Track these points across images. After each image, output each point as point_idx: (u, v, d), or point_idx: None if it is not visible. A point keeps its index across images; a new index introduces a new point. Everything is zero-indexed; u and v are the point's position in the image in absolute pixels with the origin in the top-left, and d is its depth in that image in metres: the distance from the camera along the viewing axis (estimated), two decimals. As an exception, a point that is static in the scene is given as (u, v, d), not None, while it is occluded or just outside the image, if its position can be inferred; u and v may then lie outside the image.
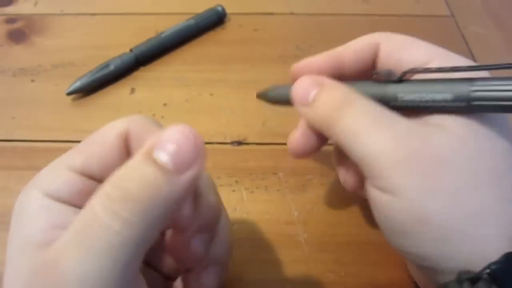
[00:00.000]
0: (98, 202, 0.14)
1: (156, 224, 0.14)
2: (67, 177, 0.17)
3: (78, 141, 0.18)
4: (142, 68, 0.38)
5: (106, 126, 0.18)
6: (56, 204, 0.16)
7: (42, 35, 0.41)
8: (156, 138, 0.15)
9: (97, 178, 0.17)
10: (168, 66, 0.39)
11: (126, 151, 0.18)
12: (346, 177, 0.24)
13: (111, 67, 0.36)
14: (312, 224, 0.28)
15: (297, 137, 0.23)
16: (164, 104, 0.35)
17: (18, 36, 0.41)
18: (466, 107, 0.18)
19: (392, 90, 0.20)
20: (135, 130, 0.18)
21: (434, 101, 0.19)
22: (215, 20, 0.42)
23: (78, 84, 0.35)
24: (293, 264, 0.26)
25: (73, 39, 0.41)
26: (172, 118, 0.34)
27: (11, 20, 0.43)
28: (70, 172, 0.17)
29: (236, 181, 0.30)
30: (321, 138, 0.23)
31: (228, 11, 0.43)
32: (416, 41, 0.22)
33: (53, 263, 0.14)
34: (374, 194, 0.19)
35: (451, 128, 0.18)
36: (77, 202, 0.17)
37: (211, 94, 0.36)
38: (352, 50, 0.23)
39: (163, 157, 0.14)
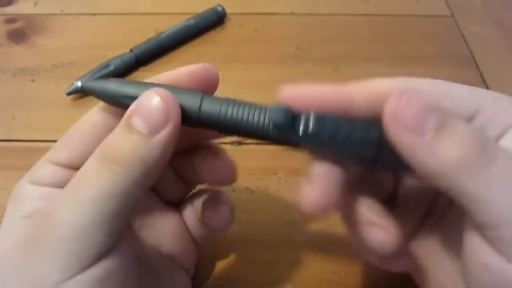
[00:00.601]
0: (88, 163, 0.16)
1: (139, 181, 0.16)
2: (52, 171, 0.18)
3: (78, 141, 0.18)
4: (142, 68, 0.38)
5: (83, 119, 0.19)
6: (44, 188, 0.18)
7: (42, 35, 0.41)
8: (133, 105, 0.16)
9: (78, 168, 0.18)
10: (168, 66, 0.39)
11: (106, 135, 0.18)
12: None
13: (111, 67, 0.36)
14: (312, 224, 0.28)
15: (315, 195, 0.18)
16: (164, 104, 0.35)
17: (18, 36, 0.41)
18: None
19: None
20: (112, 111, 0.19)
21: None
22: (215, 20, 0.42)
23: (78, 84, 0.35)
24: (293, 264, 0.26)
25: (73, 39, 0.41)
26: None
27: (11, 20, 0.43)
28: (55, 166, 0.18)
29: (236, 181, 0.30)
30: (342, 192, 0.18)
31: (228, 11, 0.43)
32: (454, 87, 0.17)
33: (49, 213, 0.16)
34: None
35: None
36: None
37: (211, 94, 0.36)
38: (365, 98, 0.17)
39: (137, 122, 0.16)
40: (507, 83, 0.37)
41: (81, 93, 0.36)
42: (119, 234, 0.17)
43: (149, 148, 0.16)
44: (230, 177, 0.21)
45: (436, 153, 0.15)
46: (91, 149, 0.18)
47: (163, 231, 0.22)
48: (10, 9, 0.44)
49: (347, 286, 0.25)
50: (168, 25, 0.40)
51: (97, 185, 0.15)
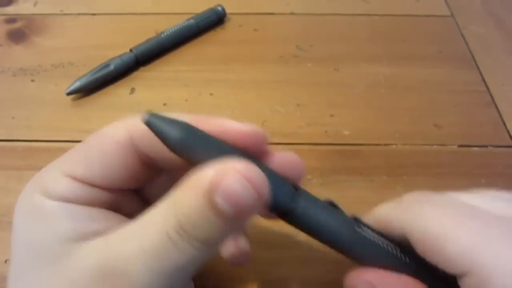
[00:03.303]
0: (172, 229, 0.15)
1: (215, 251, 0.16)
2: (69, 186, 0.17)
3: (78, 141, 0.18)
4: (142, 68, 0.38)
5: (104, 134, 0.18)
6: (69, 205, 0.17)
7: (42, 35, 0.41)
8: (215, 180, 0.15)
9: (98, 185, 0.18)
10: (168, 66, 0.39)
11: (129, 156, 0.18)
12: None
13: (111, 67, 0.36)
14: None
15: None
16: (164, 104, 0.35)
17: (18, 36, 0.41)
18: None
19: None
20: (138, 134, 0.18)
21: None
22: (215, 20, 0.42)
23: (78, 84, 0.35)
24: (293, 264, 0.26)
25: (73, 39, 0.41)
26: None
27: (11, 20, 0.43)
28: (72, 180, 0.17)
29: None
30: None
31: (228, 11, 0.43)
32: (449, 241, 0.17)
33: (124, 272, 0.15)
34: None
35: None
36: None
37: (211, 94, 0.36)
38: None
39: (223, 205, 0.14)
40: (507, 83, 0.37)
41: (81, 93, 0.36)
42: None
43: (232, 226, 0.15)
44: (243, 262, 0.22)
45: None
46: (114, 169, 0.18)
47: None
48: (10, 9, 0.44)
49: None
50: (168, 25, 0.40)
51: (178, 257, 0.15)
